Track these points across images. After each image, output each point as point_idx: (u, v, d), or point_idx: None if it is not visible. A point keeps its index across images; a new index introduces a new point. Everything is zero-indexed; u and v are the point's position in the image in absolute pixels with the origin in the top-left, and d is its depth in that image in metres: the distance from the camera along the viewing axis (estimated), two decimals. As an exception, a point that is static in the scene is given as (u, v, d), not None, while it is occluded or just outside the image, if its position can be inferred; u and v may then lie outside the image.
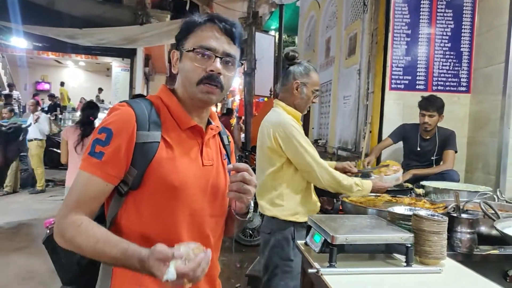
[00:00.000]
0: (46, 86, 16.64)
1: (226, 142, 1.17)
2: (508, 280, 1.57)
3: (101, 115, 3.65)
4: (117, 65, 13.34)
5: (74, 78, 17.01)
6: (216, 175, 1.06)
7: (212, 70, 0.98)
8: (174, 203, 0.96)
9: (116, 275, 0.97)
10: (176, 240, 0.95)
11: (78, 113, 11.39)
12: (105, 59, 13.70)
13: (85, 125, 3.63)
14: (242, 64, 1.05)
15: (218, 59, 0.99)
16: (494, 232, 1.54)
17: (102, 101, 13.19)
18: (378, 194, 2.07)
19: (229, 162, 1.14)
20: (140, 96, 3.45)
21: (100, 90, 14.44)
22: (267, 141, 1.94)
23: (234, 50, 1.03)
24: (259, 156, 2.06)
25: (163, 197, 0.95)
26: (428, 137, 3.04)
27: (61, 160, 3.72)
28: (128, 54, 8.86)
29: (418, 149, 3.05)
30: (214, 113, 1.14)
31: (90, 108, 3.86)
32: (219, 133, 1.15)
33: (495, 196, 2.07)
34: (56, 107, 11.97)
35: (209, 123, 1.11)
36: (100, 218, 0.99)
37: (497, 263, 1.61)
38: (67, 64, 16.73)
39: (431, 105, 2.92)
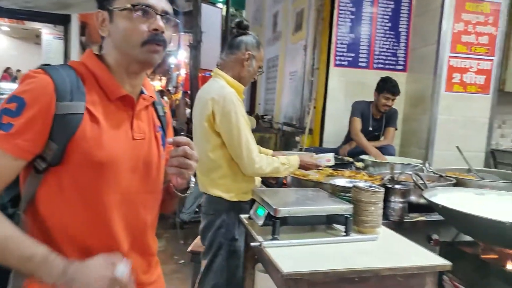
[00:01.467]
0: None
1: (161, 113, 1.08)
2: (432, 244, 1.73)
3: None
4: (48, 32, 12.19)
5: (-4, 45, 15.42)
6: (148, 149, 0.98)
7: (155, 29, 0.91)
8: (102, 181, 0.89)
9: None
10: (105, 220, 0.90)
11: (1, 84, 10.39)
12: (34, 25, 12.47)
13: None
14: (180, 25, 0.99)
15: (159, 17, 0.92)
16: (422, 200, 1.68)
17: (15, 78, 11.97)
18: (320, 168, 2.14)
19: (164, 135, 1.07)
20: None
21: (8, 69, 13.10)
22: (204, 116, 1.81)
23: (170, 9, 0.96)
24: (195, 131, 1.92)
25: (88, 175, 0.87)
26: (378, 117, 3.16)
27: None
28: (61, 20, 8.10)
29: (371, 128, 3.15)
30: (148, 81, 1.05)
31: None
32: (153, 104, 1.05)
33: (424, 168, 2.24)
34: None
35: (142, 92, 1.01)
36: (13, 200, 0.90)
37: (423, 228, 1.76)
38: (-14, 28, 15.10)
39: (396, 89, 3.00)
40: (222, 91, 1.80)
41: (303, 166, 2.01)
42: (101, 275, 0.79)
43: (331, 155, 2.15)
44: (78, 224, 0.89)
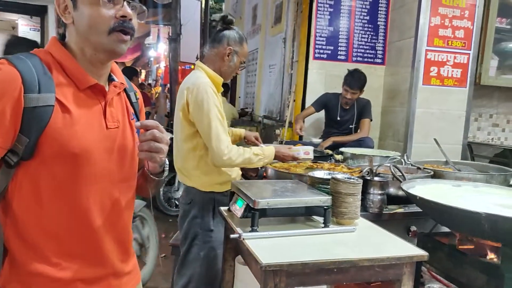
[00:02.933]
0: None
1: (133, 99, 1.06)
2: (410, 235, 1.75)
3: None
4: (24, 24, 11.79)
5: (-31, 37, 14.86)
6: (122, 136, 0.97)
7: (123, 16, 0.88)
8: (76, 172, 0.87)
9: (12, 262, 0.88)
10: (82, 211, 0.89)
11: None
12: (9, 16, 12.06)
13: None
14: (147, 10, 0.95)
15: (126, 3, 0.88)
16: (400, 192, 1.69)
17: None
18: (299, 161, 2.13)
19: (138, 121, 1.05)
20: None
21: None
22: (180, 105, 1.82)
23: None
24: (175, 121, 1.93)
25: (63, 167, 0.85)
26: (347, 108, 3.22)
27: None
28: (37, 11, 7.84)
29: (338, 118, 3.22)
30: (116, 67, 1.02)
31: None
32: (125, 90, 1.03)
33: (402, 160, 2.27)
34: None
35: (112, 80, 0.99)
36: None
37: (402, 220, 1.79)
38: (-41, 19, 14.51)
39: (355, 84, 3.07)
40: (197, 81, 1.81)
41: (279, 157, 2.00)
42: None
43: (310, 148, 2.12)
44: (53, 216, 0.87)
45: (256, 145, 2.11)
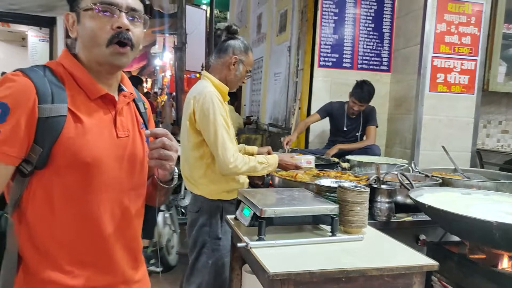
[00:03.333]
0: None
1: (142, 109, 1.08)
2: (419, 244, 1.72)
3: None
4: (34, 35, 12.01)
5: (-19, 48, 15.09)
6: (132, 145, 0.98)
7: (119, 27, 0.89)
8: (88, 181, 0.88)
9: (25, 269, 0.89)
10: (93, 219, 0.90)
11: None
12: (19, 28, 12.28)
13: None
14: (150, 18, 0.97)
15: (123, 14, 0.89)
16: (408, 200, 1.67)
17: None
18: (300, 168, 2.12)
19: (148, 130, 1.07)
20: None
21: None
22: (186, 114, 1.84)
23: (139, 5, 0.94)
24: (182, 130, 1.96)
25: (75, 176, 0.87)
26: (354, 117, 3.20)
27: None
28: (46, 23, 8.00)
29: (345, 128, 3.20)
30: (126, 78, 1.04)
31: None
32: (134, 100, 1.06)
33: (410, 168, 2.24)
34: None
35: (122, 90, 1.01)
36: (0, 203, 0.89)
37: (410, 228, 1.76)
38: (-29, 31, 14.77)
39: (364, 98, 3.05)
40: (203, 90, 1.83)
41: (282, 166, 2.02)
42: None
43: (312, 158, 2.15)
44: (65, 225, 0.89)
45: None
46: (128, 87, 1.03)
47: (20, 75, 0.84)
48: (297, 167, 2.06)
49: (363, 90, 3.06)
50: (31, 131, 0.83)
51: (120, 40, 0.89)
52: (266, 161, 1.88)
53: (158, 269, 2.72)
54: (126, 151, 0.96)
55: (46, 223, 0.87)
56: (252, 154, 2.16)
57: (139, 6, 0.94)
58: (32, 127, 0.82)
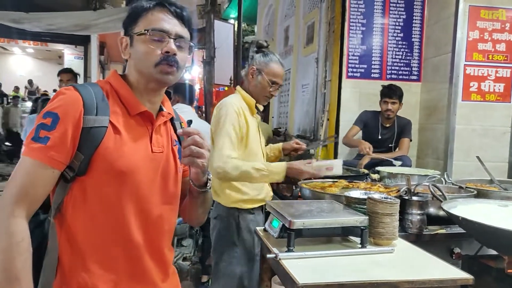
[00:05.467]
0: (-9, 75, 15.55)
1: (179, 128, 1.15)
2: (454, 257, 1.67)
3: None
4: (69, 53, 12.67)
5: (22, 66, 15.99)
6: (166, 161, 1.05)
7: (167, 52, 0.99)
8: (122, 189, 0.95)
9: (61, 270, 0.94)
10: (124, 227, 0.95)
11: (27, 103, 10.73)
12: (56, 46, 12.97)
13: None
14: (194, 46, 1.06)
15: (171, 40, 1.00)
16: (441, 212, 1.63)
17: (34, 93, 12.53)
18: (335, 180, 2.11)
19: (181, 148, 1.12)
20: None
21: (30, 81, 13.81)
22: (211, 124, 1.93)
23: (186, 33, 1.04)
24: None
25: (110, 183, 0.94)
26: (388, 125, 3.17)
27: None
28: (81, 41, 8.42)
29: (380, 137, 3.17)
30: (166, 99, 1.12)
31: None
32: (171, 120, 1.14)
33: (442, 179, 2.18)
34: (2, 97, 11.23)
35: (161, 110, 1.09)
36: (44, 207, 0.95)
37: (444, 241, 1.70)
38: (13, 51, 15.69)
39: (393, 92, 3.06)
40: (225, 100, 1.89)
41: (294, 173, 1.81)
42: None
43: (335, 163, 1.85)
44: (100, 230, 0.94)
45: (295, 150, 2.16)
46: (168, 108, 1.11)
47: (71, 89, 0.94)
48: (314, 176, 1.86)
49: (391, 88, 3.08)
50: (76, 139, 0.91)
51: (167, 62, 0.99)
52: (265, 168, 1.77)
53: None
54: (160, 165, 1.02)
55: (83, 228, 0.93)
56: (278, 150, 2.23)
57: (186, 34, 1.04)
58: (77, 136, 0.91)
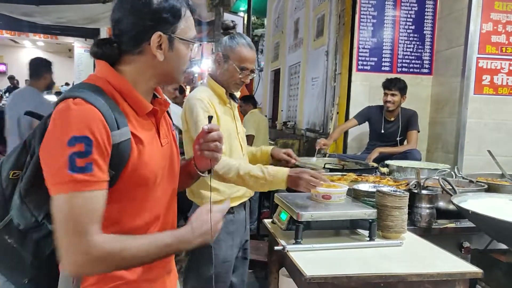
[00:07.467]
0: (2, 68, 15.75)
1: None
2: (463, 252, 1.66)
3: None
4: (79, 46, 12.72)
5: (32, 59, 16.13)
6: (171, 150, 1.05)
7: (193, 58, 1.03)
8: (147, 192, 0.95)
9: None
10: (147, 223, 0.97)
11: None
12: (66, 39, 13.02)
13: None
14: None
15: (196, 46, 1.03)
16: (451, 206, 1.62)
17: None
18: (344, 174, 2.10)
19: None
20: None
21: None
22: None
23: None
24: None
25: (137, 189, 0.93)
26: (392, 119, 3.14)
27: None
28: (91, 34, 8.45)
29: (383, 131, 3.15)
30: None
31: None
32: None
33: (453, 173, 2.17)
34: (15, 90, 11.36)
35: (155, 96, 1.05)
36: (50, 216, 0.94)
37: (453, 235, 1.70)
38: (24, 44, 15.83)
39: (392, 84, 3.04)
40: (192, 95, 1.73)
41: (296, 182, 1.44)
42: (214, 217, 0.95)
43: (338, 191, 1.42)
44: (127, 229, 0.94)
45: (287, 162, 1.79)
46: (160, 93, 1.07)
47: (83, 103, 0.84)
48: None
49: (392, 80, 3.08)
50: (108, 157, 0.85)
51: (187, 67, 1.02)
52: (262, 176, 1.50)
53: None
54: (168, 156, 1.03)
55: (114, 232, 0.92)
56: (267, 155, 1.89)
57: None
58: (108, 154, 0.85)
